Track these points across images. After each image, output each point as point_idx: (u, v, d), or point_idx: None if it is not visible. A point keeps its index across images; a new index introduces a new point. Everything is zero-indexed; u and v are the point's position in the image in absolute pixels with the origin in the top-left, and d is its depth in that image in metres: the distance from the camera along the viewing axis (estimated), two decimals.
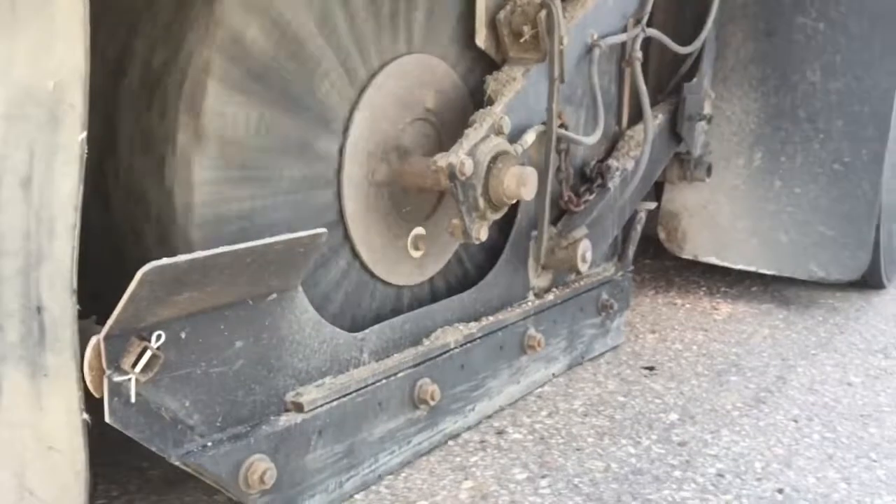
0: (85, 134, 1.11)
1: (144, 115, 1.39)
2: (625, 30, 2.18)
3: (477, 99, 1.86)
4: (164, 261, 1.10)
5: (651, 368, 2.26)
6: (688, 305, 2.90)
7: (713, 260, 2.85)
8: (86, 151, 1.11)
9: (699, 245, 2.86)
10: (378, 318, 1.68)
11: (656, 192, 2.87)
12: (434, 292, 1.89)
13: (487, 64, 1.88)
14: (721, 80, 2.75)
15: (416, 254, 1.78)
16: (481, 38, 1.81)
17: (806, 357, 2.40)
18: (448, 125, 1.79)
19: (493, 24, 1.82)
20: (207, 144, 1.33)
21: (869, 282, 3.04)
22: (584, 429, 1.86)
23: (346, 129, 1.56)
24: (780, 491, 1.60)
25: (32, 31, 1.13)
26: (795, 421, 1.94)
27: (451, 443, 1.75)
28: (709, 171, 2.72)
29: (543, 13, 1.76)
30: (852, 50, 2.67)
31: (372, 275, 1.68)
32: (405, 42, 1.68)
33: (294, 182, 1.49)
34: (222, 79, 1.33)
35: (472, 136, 1.62)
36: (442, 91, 1.78)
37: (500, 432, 1.82)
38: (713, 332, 2.62)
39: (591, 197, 2.16)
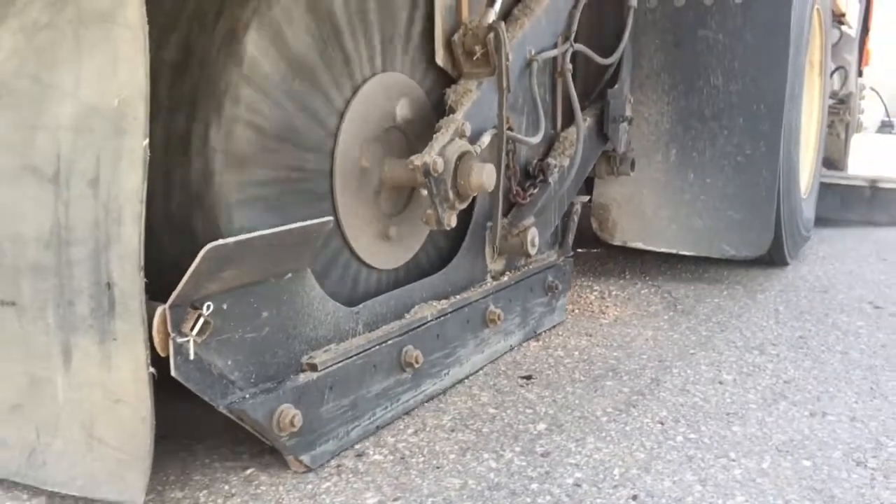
0: (147, 140, 1.37)
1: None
2: (556, 46, 2.53)
3: (438, 108, 2.17)
4: (219, 241, 1.38)
5: (529, 377, 2.23)
6: (576, 311, 2.93)
7: (640, 245, 3.23)
8: (148, 154, 1.37)
9: (627, 232, 3.23)
10: (366, 296, 1.97)
11: (587, 186, 3.23)
12: (408, 275, 2.18)
13: (445, 79, 2.19)
14: (638, 87, 3.13)
15: (393, 242, 2.07)
16: (440, 58, 2.12)
17: (683, 357, 2.42)
18: (416, 131, 2.09)
19: (449, 46, 2.14)
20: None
21: (774, 259, 3.47)
22: (448, 445, 1.81)
23: (336, 134, 1.85)
24: (635, 497, 1.59)
25: (97, 58, 1.39)
26: (662, 423, 1.93)
27: (307, 473, 1.68)
28: (632, 166, 3.09)
29: (492, 35, 2.08)
30: (748, 57, 3.09)
31: (358, 259, 1.97)
32: (381, 63, 1.98)
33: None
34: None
35: (440, 139, 1.93)
36: (410, 102, 2.08)
37: (359, 455, 1.76)
38: (597, 336, 2.61)
39: (535, 191, 2.49)
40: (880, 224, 4.92)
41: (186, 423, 1.84)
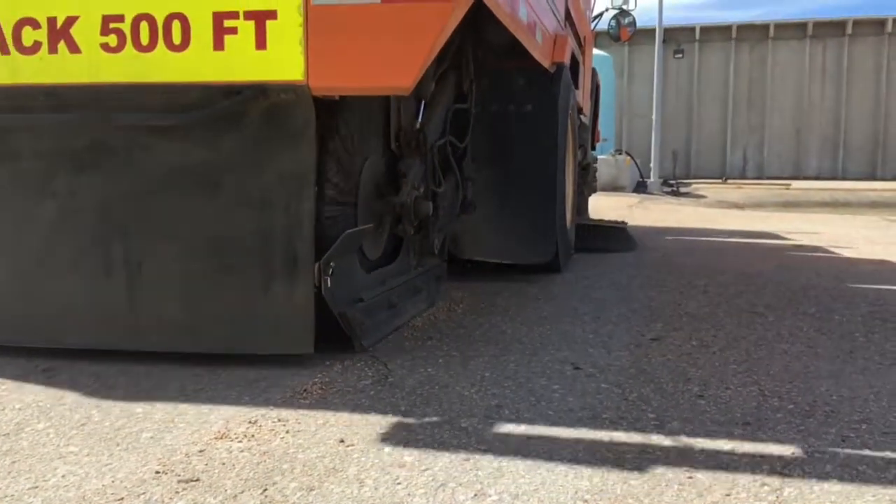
0: (315, 189, 3.04)
1: None
2: (440, 137, 4.43)
3: (389, 172, 3.95)
4: (349, 230, 3.09)
5: (194, 480, 2.01)
6: (279, 391, 2.75)
7: (479, 258, 5.14)
8: (315, 195, 3.04)
9: (472, 250, 5.14)
10: (367, 271, 3.68)
11: None
12: (377, 264, 3.92)
13: (395, 157, 3.99)
14: (475, 159, 5.07)
15: (373, 244, 3.83)
16: (393, 145, 3.93)
17: (369, 441, 2.28)
18: (380, 187, 3.87)
19: (398, 138, 3.95)
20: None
21: (553, 266, 5.53)
22: None
23: (356, 187, 3.59)
24: None
25: (288, 153, 3.04)
26: None
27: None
28: (474, 207, 5.01)
29: (420, 135, 3.93)
30: (536, 142, 5.13)
31: (362, 252, 3.69)
32: (370, 149, 3.75)
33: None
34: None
35: (404, 189, 3.74)
36: (379, 172, 3.86)
37: None
38: (290, 422, 2.43)
39: (434, 219, 4.34)
40: (592, 249, 7.07)
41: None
